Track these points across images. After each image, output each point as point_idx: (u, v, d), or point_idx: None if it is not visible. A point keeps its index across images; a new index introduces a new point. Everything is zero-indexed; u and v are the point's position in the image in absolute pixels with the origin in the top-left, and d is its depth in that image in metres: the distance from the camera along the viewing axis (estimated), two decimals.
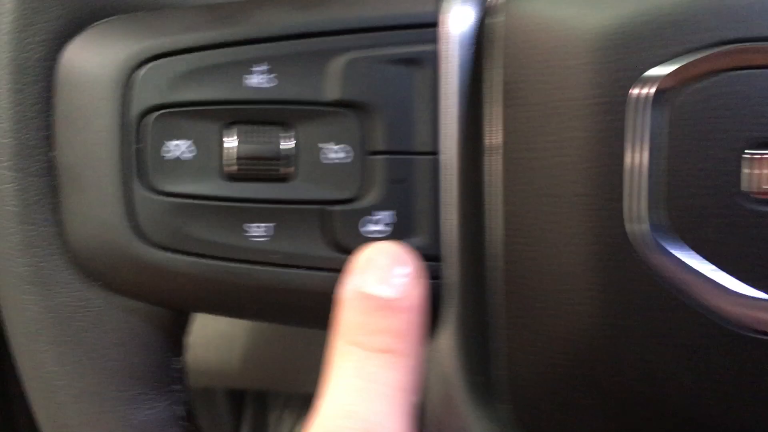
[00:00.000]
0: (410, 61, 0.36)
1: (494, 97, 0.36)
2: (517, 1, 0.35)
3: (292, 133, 0.37)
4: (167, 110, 0.37)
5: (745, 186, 0.32)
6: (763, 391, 0.32)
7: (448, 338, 0.38)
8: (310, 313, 0.37)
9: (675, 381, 0.33)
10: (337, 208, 0.37)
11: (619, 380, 0.34)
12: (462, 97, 0.37)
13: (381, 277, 0.35)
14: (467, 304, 0.37)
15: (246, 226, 0.37)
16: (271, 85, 0.37)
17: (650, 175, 0.32)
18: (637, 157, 0.33)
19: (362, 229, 0.37)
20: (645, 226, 0.33)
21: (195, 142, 0.37)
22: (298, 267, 0.37)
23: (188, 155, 0.37)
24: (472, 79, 0.36)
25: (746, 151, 0.32)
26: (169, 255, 0.37)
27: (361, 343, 0.35)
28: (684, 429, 0.34)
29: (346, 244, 0.37)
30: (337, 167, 0.37)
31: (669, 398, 0.34)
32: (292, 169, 0.37)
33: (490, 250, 0.36)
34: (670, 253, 0.32)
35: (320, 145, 0.37)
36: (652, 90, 0.32)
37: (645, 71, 0.33)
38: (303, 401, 0.62)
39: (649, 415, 0.34)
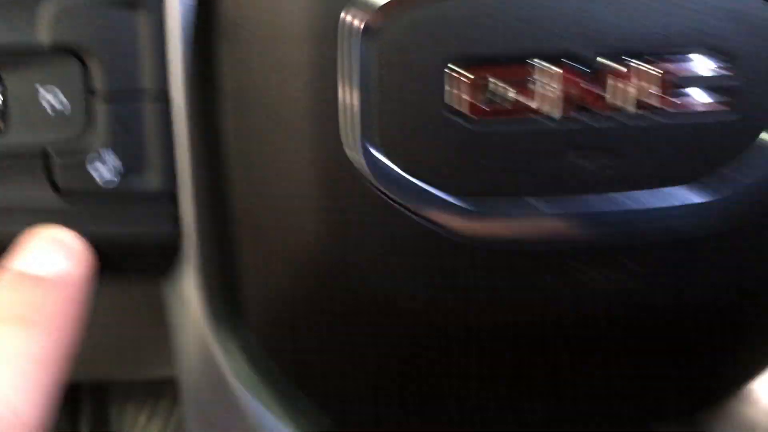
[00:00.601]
0: (132, 4, 0.36)
1: (221, 34, 0.36)
2: None
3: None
4: None
5: (447, 101, 0.34)
6: (476, 291, 0.35)
7: (191, 275, 0.38)
8: None
9: (396, 286, 0.35)
10: (60, 155, 0.36)
11: (346, 294, 0.36)
12: (190, 38, 0.37)
13: (34, 257, 0.35)
14: (209, 240, 0.38)
15: None
16: None
17: (362, 102, 0.34)
18: (348, 85, 0.34)
19: (91, 174, 0.36)
20: (360, 151, 0.34)
21: None
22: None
23: None
24: (203, 18, 0.36)
25: (449, 66, 0.34)
26: None
27: None
28: (407, 331, 0.36)
29: (74, 189, 0.36)
30: (57, 114, 0.36)
31: (395, 305, 0.36)
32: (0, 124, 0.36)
33: (226, 185, 0.37)
34: (386, 174, 0.34)
35: (38, 89, 0.36)
36: (361, 18, 0.34)
37: None
38: (146, 389, 0.59)
39: (378, 324, 0.36)
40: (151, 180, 0.37)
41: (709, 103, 0.34)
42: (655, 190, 0.35)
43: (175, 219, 0.37)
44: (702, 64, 0.34)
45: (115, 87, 0.36)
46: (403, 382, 0.38)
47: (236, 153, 0.36)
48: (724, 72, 0.34)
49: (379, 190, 0.34)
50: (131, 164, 0.36)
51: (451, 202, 0.34)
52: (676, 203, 0.34)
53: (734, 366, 0.42)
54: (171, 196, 0.37)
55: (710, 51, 0.34)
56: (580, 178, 0.34)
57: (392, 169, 0.34)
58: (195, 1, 0.36)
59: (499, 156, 0.34)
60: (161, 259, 0.37)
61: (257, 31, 0.35)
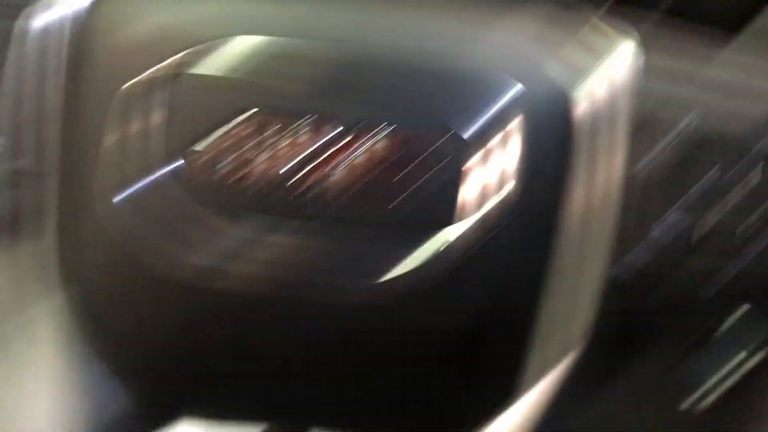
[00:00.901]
0: None
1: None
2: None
3: None
4: None
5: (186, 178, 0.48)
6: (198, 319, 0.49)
7: (50, 239, 0.52)
8: None
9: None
10: None
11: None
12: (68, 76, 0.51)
13: None
14: (66, 212, 0.52)
15: None
16: None
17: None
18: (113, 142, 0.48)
19: None
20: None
21: None
22: None
23: None
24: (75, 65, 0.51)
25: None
26: None
27: None
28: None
29: None
30: None
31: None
32: None
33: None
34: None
35: None
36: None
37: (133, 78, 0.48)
38: None
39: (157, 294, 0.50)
40: (25, 160, 0.51)
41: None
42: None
43: (38, 195, 0.51)
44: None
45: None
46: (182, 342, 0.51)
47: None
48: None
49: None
50: (13, 148, 0.51)
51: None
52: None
53: (477, 397, 0.51)
54: (39, 176, 0.51)
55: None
56: (308, 213, 0.46)
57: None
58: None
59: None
60: (26, 223, 0.52)
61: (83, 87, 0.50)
